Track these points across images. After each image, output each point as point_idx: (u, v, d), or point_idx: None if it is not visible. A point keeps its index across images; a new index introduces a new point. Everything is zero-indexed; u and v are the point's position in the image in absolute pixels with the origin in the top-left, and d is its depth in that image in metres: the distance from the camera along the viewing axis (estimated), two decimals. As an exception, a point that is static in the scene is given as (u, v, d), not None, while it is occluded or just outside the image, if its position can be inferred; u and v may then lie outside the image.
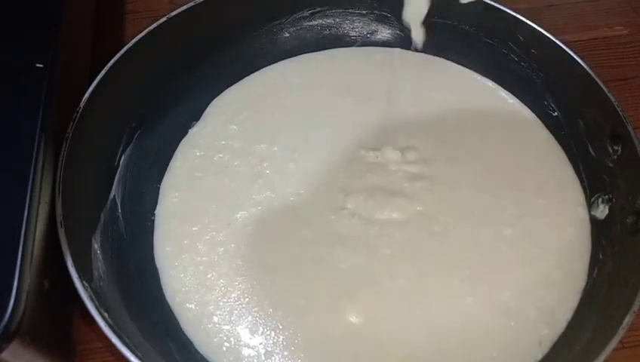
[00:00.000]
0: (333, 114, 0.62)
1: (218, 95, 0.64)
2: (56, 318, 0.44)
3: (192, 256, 0.54)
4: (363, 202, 0.55)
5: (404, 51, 0.67)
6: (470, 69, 0.66)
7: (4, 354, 0.39)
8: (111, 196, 0.55)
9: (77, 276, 0.44)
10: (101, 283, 0.48)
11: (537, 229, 0.55)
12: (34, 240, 0.42)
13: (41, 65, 0.49)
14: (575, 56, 0.57)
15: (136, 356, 0.42)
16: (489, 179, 0.58)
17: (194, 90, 0.63)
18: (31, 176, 0.43)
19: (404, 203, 0.56)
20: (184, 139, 0.61)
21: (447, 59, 0.67)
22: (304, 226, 0.55)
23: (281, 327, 0.50)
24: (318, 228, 0.55)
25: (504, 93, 0.64)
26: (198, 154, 0.60)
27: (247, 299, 0.52)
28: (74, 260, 0.45)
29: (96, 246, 0.50)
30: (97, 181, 0.54)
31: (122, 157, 0.57)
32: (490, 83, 0.65)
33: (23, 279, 0.40)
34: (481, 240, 0.54)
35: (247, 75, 0.65)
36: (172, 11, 0.59)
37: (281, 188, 0.57)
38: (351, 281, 0.52)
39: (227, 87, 0.64)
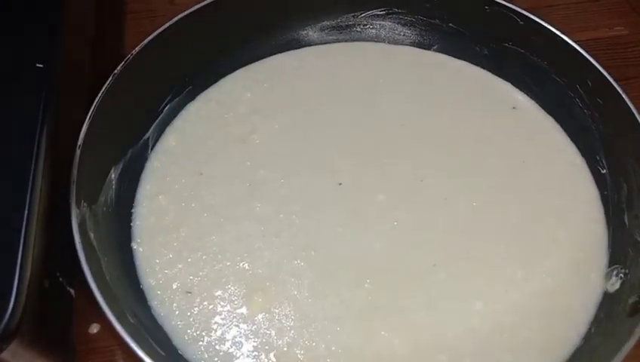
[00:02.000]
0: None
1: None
2: (56, 318, 0.44)
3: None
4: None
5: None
6: (534, 101, 0.64)
7: (4, 355, 0.39)
8: (145, 137, 0.59)
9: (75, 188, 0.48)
10: (105, 209, 0.52)
11: (544, 281, 0.53)
12: (34, 240, 0.42)
13: (41, 65, 0.49)
14: (638, 117, 0.55)
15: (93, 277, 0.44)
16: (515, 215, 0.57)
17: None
18: (31, 176, 0.43)
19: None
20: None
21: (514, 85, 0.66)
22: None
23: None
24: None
25: (561, 135, 0.62)
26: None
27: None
28: (79, 176, 0.48)
29: (113, 175, 0.55)
30: (134, 120, 0.58)
31: (167, 107, 0.61)
32: (549, 121, 0.63)
33: (23, 279, 0.40)
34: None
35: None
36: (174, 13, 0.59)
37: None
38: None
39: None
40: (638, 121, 0.55)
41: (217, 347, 0.49)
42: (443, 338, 0.50)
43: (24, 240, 0.41)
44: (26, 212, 0.42)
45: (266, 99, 0.63)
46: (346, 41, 0.68)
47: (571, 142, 0.62)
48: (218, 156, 0.59)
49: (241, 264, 0.53)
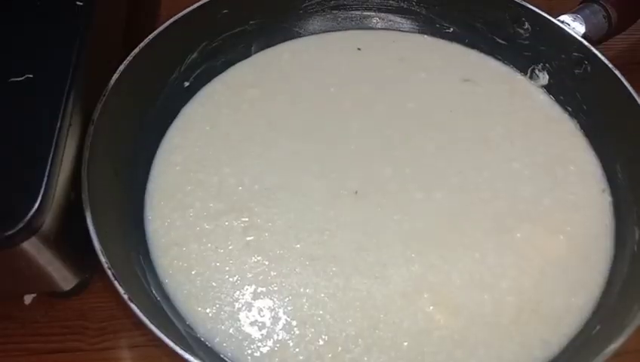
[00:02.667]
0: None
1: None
2: (79, 232, 0.45)
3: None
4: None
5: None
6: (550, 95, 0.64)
7: (29, 247, 0.42)
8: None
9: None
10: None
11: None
12: (65, 142, 0.45)
13: (81, 3, 0.51)
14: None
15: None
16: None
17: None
18: (64, 96, 0.46)
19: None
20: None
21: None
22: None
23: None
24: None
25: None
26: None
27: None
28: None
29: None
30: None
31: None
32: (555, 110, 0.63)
33: (52, 180, 0.42)
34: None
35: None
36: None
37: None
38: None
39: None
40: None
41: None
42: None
43: (56, 143, 0.43)
44: (62, 111, 0.45)
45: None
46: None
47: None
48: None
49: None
